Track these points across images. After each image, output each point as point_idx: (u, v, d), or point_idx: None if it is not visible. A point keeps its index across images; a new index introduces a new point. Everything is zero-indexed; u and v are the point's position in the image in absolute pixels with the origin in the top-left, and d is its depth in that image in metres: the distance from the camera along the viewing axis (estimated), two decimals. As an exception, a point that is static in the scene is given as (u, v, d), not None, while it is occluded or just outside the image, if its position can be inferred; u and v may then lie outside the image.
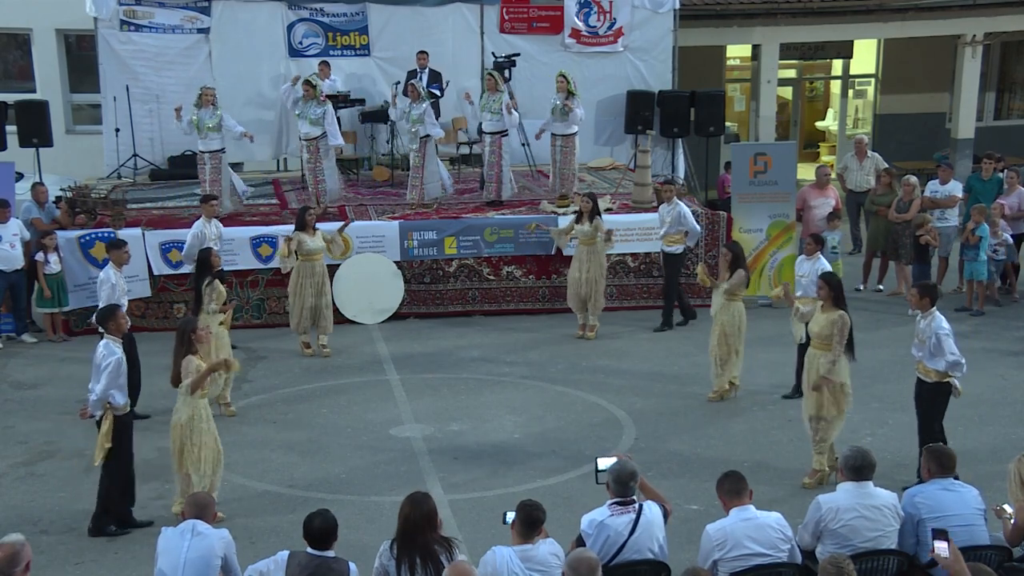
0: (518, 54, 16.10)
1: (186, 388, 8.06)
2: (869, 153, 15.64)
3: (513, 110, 14.19)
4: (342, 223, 13.05)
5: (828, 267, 10.62)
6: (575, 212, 14.05)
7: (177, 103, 14.13)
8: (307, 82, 14.08)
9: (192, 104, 13.84)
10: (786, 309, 13.07)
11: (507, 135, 14.48)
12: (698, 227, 13.22)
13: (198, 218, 12.33)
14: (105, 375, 7.98)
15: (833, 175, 16.80)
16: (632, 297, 14.17)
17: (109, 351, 8.08)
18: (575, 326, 13.41)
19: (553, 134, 14.50)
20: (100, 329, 8.42)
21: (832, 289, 8.75)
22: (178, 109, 13.87)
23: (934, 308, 8.54)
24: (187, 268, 12.80)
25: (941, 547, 5.49)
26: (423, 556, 5.60)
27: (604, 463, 6.23)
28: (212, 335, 10.31)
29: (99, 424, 8.13)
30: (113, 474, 8.20)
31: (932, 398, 8.64)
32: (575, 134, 14.46)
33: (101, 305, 10.08)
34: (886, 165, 15.36)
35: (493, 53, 16.30)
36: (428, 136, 14.26)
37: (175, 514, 8.17)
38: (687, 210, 13.01)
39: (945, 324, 8.45)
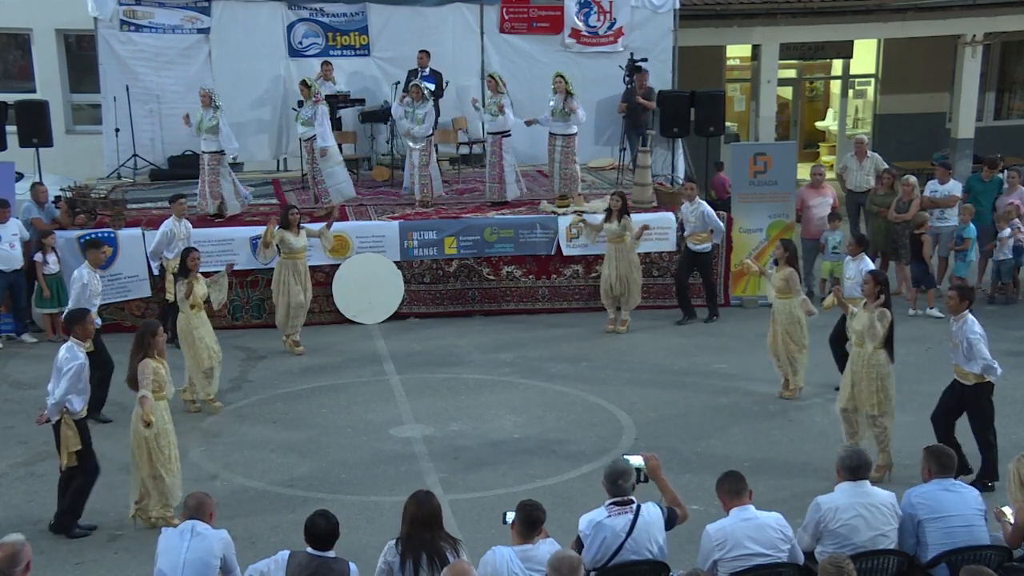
0: (645, 59, 16.04)
1: (139, 398, 7.92)
2: (869, 153, 15.64)
3: (507, 110, 14.22)
4: (325, 223, 13.01)
5: (872, 266, 10.64)
6: (575, 212, 14.15)
7: (177, 103, 14.14)
8: (303, 83, 14.07)
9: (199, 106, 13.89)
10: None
11: (509, 135, 14.47)
12: (722, 224, 13.41)
13: (170, 217, 12.33)
14: (66, 379, 7.91)
15: (831, 175, 16.80)
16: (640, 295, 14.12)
17: (72, 355, 8.00)
18: (574, 326, 13.46)
19: (553, 134, 14.49)
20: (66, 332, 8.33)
21: (878, 285, 8.77)
22: (187, 117, 13.91)
23: (967, 311, 8.52)
24: (153, 267, 12.74)
25: None
26: (429, 554, 5.61)
27: (633, 460, 6.24)
28: (192, 333, 10.39)
29: (56, 429, 8.05)
30: (80, 474, 8.16)
31: (977, 401, 8.63)
32: (575, 134, 14.48)
33: (71, 304, 10.09)
34: (886, 165, 15.36)
35: (632, 54, 16.18)
36: (431, 136, 14.33)
37: (131, 518, 8.17)
38: (710, 209, 13.16)
39: (977, 328, 8.45)
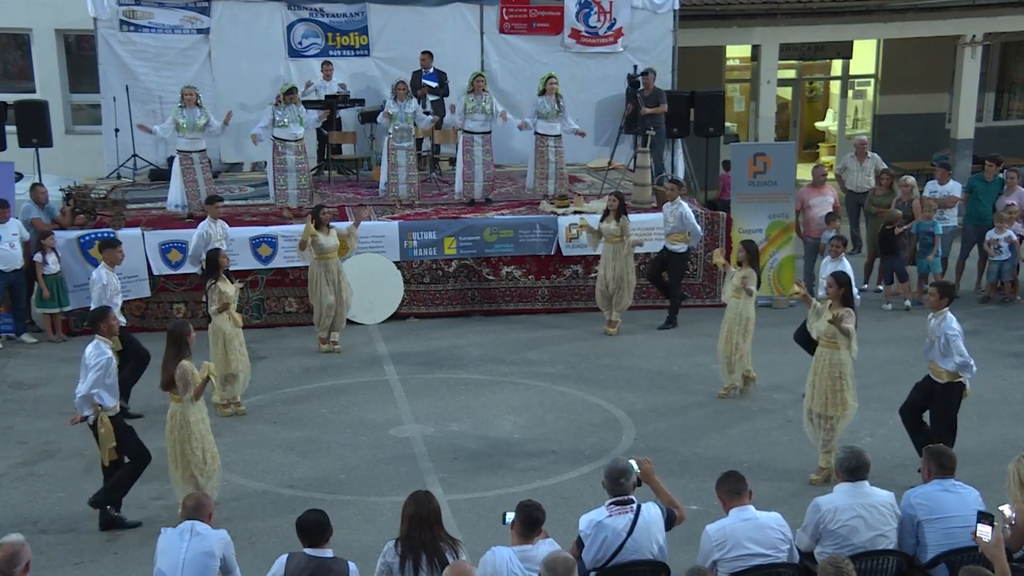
0: (646, 72, 15.98)
1: (188, 399, 7.98)
2: (869, 154, 15.62)
3: (508, 115, 14.24)
4: (351, 222, 13.04)
5: (850, 268, 10.64)
6: (575, 212, 14.15)
7: (177, 103, 14.09)
8: (292, 89, 14.01)
9: (177, 105, 13.81)
10: (783, 310, 13.09)
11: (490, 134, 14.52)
12: (699, 228, 13.30)
13: (203, 218, 12.34)
14: (93, 372, 7.94)
15: (831, 175, 16.79)
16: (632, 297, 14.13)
17: (99, 351, 8.06)
18: (574, 326, 13.48)
19: (544, 135, 14.46)
20: (91, 330, 8.39)
21: (842, 287, 8.80)
22: (141, 125, 13.96)
23: (947, 308, 8.55)
24: (188, 268, 12.82)
25: (984, 531, 5.41)
26: (429, 554, 5.61)
27: (634, 464, 6.26)
28: (223, 336, 10.41)
29: (93, 427, 8.08)
30: (133, 461, 8.20)
31: (945, 398, 8.64)
32: (561, 135, 14.53)
33: (93, 305, 10.08)
34: (885, 166, 15.37)
35: (636, 67, 16.21)
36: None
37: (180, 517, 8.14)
38: (689, 211, 13.08)
39: (955, 325, 8.46)
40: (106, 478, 8.30)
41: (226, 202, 14.99)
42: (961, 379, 8.53)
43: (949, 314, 8.54)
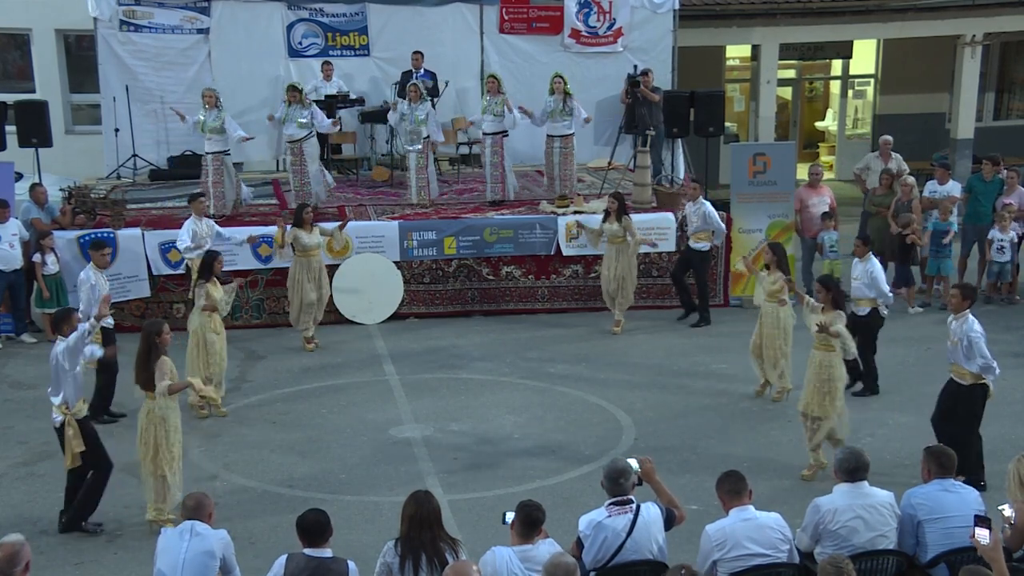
0: (645, 72, 15.99)
1: (164, 390, 7.91)
2: (893, 155, 15.47)
3: (514, 109, 14.23)
4: (339, 222, 13.08)
5: (878, 267, 10.62)
6: (575, 212, 14.16)
7: (177, 103, 14.15)
8: (292, 88, 14.05)
9: (202, 106, 13.89)
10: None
11: (507, 135, 14.51)
12: (723, 225, 13.44)
13: (187, 217, 12.34)
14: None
15: (830, 175, 16.74)
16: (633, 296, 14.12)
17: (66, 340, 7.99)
18: (574, 326, 13.47)
19: (551, 135, 14.51)
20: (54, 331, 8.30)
21: (830, 291, 8.82)
22: (180, 113, 13.93)
23: (968, 310, 8.53)
24: (188, 259, 12.78)
25: (982, 534, 5.40)
26: (429, 554, 5.61)
27: (635, 464, 6.26)
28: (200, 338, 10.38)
29: (59, 431, 8.03)
30: (93, 471, 8.15)
31: (969, 400, 8.61)
32: (573, 134, 14.51)
33: (81, 306, 10.02)
34: (907, 168, 15.29)
35: (636, 66, 16.28)
36: (427, 137, 14.36)
37: (149, 521, 8.12)
38: (712, 209, 13.19)
39: (977, 327, 8.43)
40: (69, 490, 8.23)
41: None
42: (984, 381, 8.51)
43: (971, 316, 8.49)
